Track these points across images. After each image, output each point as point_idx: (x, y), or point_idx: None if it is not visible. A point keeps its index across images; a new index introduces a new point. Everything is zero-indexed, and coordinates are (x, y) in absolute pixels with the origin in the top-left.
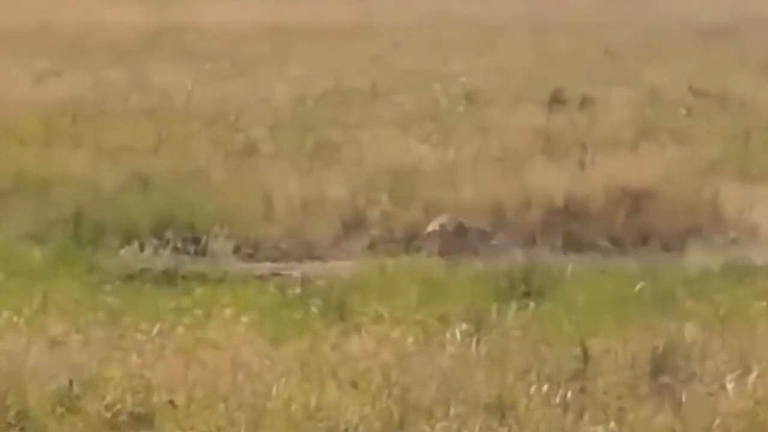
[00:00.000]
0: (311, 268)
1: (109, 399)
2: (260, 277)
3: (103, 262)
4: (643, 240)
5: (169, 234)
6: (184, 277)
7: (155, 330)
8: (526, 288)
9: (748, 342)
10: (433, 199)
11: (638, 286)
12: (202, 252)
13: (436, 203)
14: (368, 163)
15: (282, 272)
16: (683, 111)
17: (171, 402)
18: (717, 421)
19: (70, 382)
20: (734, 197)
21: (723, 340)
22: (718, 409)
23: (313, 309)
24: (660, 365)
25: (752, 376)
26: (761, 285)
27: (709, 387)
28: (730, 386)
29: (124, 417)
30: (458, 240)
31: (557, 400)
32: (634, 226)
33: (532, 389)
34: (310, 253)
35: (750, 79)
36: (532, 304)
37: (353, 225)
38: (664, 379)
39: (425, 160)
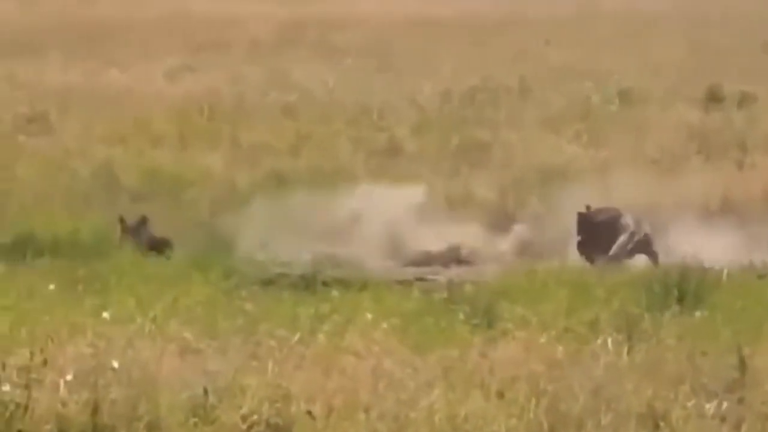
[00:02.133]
0: (457, 272)
1: (245, 409)
2: (403, 282)
3: (239, 266)
4: None
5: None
6: (323, 283)
7: (293, 337)
8: (680, 294)
9: None
10: (584, 201)
11: None
12: (342, 256)
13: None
14: (517, 163)
15: (426, 277)
16: None
17: (309, 413)
18: None
19: (205, 391)
20: None
21: None
22: None
23: (460, 315)
24: None
25: None
26: None
27: None
28: None
29: (260, 428)
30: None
31: (713, 410)
32: None
33: (687, 400)
34: (455, 256)
35: None
36: (686, 310)
37: (501, 227)
38: None
39: (576, 161)
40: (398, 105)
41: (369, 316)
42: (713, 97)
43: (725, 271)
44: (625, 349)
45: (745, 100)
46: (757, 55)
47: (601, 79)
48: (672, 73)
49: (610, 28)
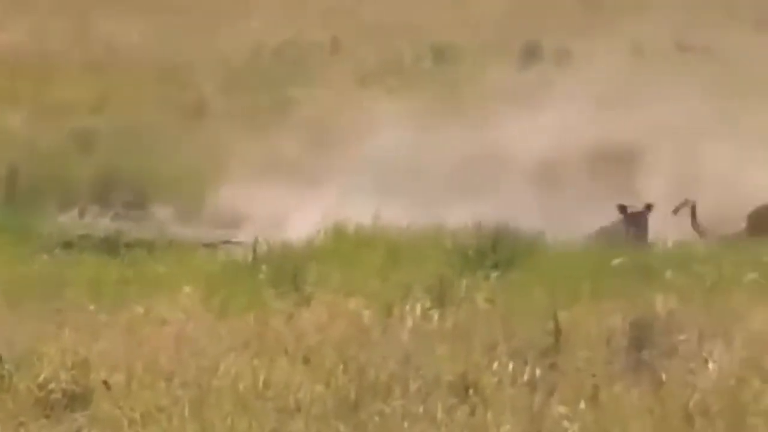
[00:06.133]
0: (266, 235)
1: (42, 377)
2: (209, 245)
3: (40, 228)
4: None
5: (111, 198)
6: (127, 245)
7: (94, 303)
8: (495, 258)
9: (730, 316)
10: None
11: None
12: (146, 218)
13: None
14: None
15: (233, 239)
16: None
17: (105, 382)
18: (695, 398)
19: (0, 358)
20: None
21: (705, 314)
22: (697, 386)
23: (265, 279)
24: (637, 339)
25: (734, 352)
26: None
27: (689, 363)
28: (711, 363)
29: (58, 395)
30: None
31: (525, 377)
32: None
33: (499, 366)
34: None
35: None
36: (501, 275)
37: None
38: (642, 354)
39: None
40: (207, 62)
41: (172, 280)
42: (530, 53)
43: (543, 235)
44: (436, 314)
45: (562, 57)
46: (576, 10)
47: (414, 35)
48: (489, 29)
49: None
